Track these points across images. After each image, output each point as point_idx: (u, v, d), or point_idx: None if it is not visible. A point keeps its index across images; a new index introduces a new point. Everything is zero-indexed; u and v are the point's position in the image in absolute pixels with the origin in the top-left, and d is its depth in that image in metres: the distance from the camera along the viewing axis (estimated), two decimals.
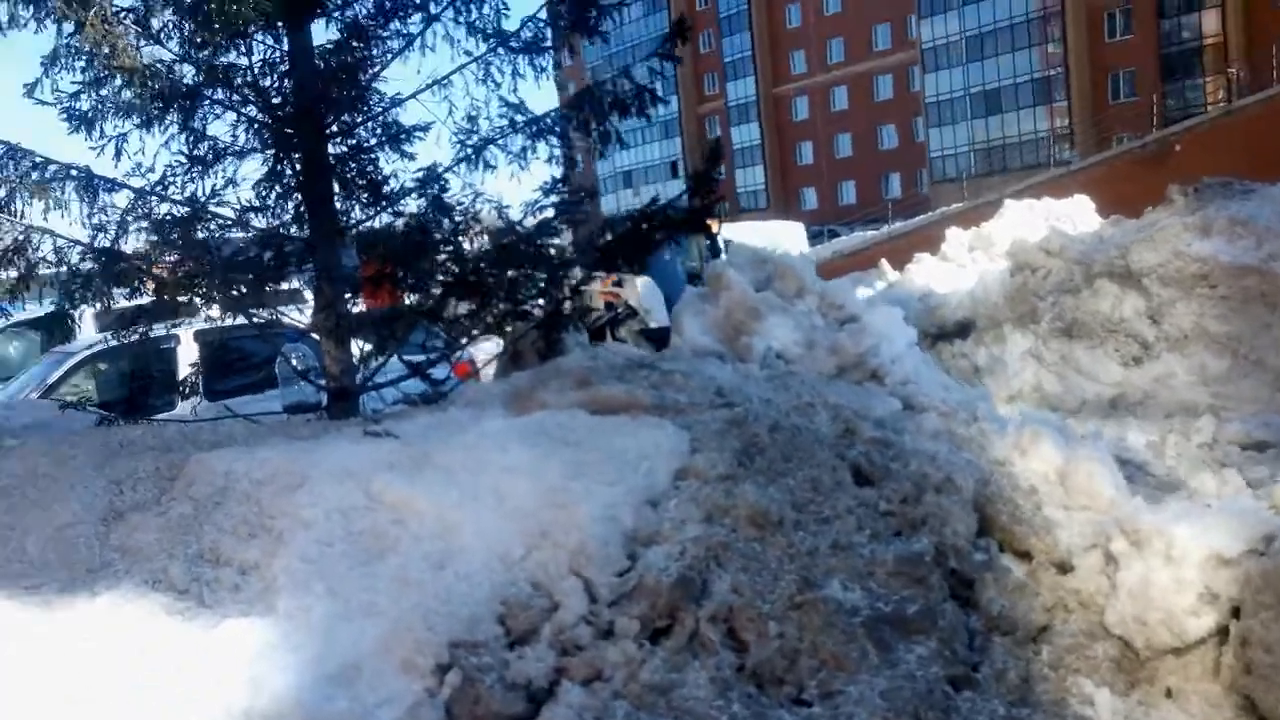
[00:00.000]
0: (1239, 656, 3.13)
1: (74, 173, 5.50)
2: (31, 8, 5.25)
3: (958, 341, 9.60)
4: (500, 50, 6.22)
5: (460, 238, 6.08)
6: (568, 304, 6.06)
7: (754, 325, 5.61)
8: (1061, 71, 51.48)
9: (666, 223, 6.23)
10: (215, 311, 5.93)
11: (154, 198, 5.65)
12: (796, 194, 66.16)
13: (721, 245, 16.87)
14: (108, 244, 5.53)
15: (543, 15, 6.32)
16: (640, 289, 13.87)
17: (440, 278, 5.95)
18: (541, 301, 6.03)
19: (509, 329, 6.14)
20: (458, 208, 6.08)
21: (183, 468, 4.15)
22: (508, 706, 3.12)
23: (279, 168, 5.91)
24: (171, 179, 5.57)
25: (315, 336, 5.98)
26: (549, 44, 6.43)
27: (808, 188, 66.41)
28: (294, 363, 5.92)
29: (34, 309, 8.16)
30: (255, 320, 5.77)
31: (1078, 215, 12.80)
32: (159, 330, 6.73)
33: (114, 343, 6.17)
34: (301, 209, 5.75)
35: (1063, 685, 3.30)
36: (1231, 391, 7.32)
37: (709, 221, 17.87)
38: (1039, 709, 3.31)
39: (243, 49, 5.83)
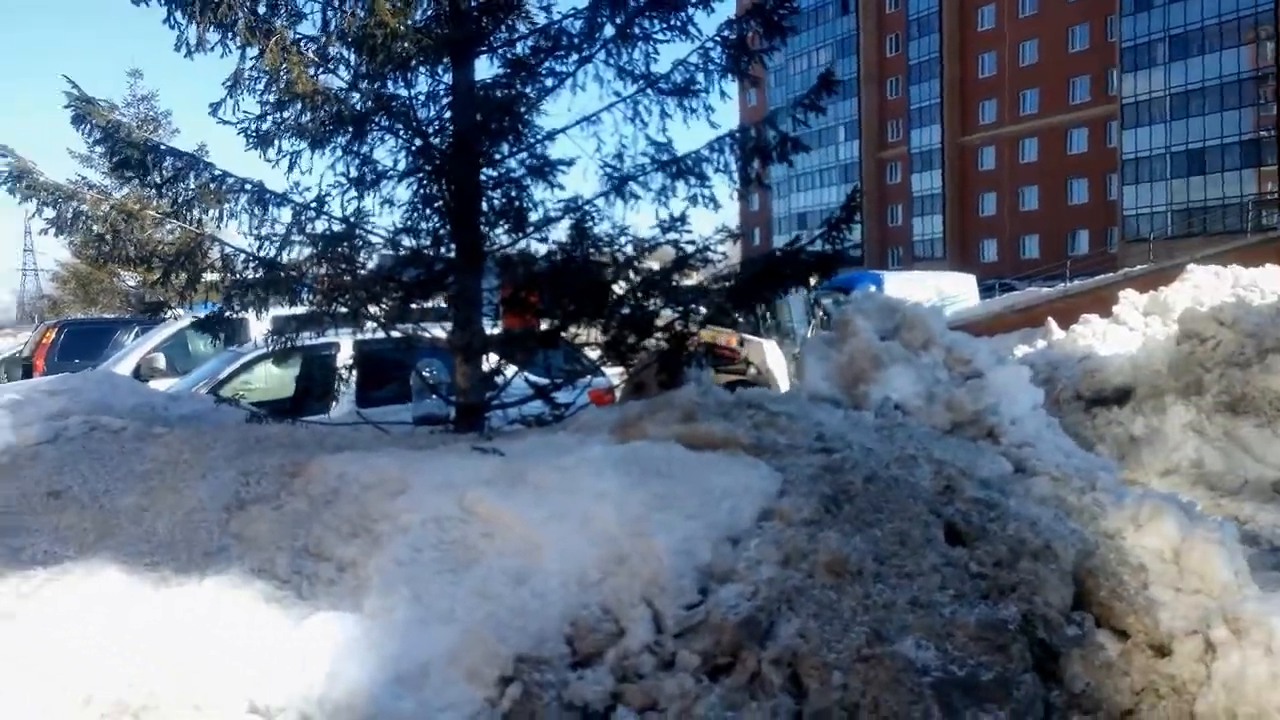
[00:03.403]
0: None
1: (248, 186, 5.95)
2: (219, 33, 5.70)
3: (1115, 408, 9.13)
4: (649, 92, 6.39)
5: (600, 268, 6.24)
6: (692, 340, 6.12)
7: (874, 374, 5.53)
8: (1273, 134, 48.31)
9: (795, 266, 6.24)
10: (362, 324, 6.25)
11: (315, 214, 6.05)
12: (975, 245, 64.35)
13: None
14: (270, 255, 5.95)
15: (694, 60, 6.42)
16: (766, 351, 13.86)
17: (570, 305, 6.12)
18: (666, 335, 6.11)
19: (633, 360, 6.26)
20: (601, 239, 6.25)
21: (304, 466, 4.43)
22: None
23: (431, 192, 6.23)
24: (329, 197, 5.93)
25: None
26: (701, 88, 6.51)
27: (988, 239, 64.53)
28: (426, 376, 6.20)
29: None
30: (394, 335, 6.08)
31: (1268, 285, 12.00)
32: (326, 338, 7.18)
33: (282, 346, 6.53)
34: (442, 232, 6.03)
35: None
36: None
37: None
38: None
39: (408, 80, 6.20)
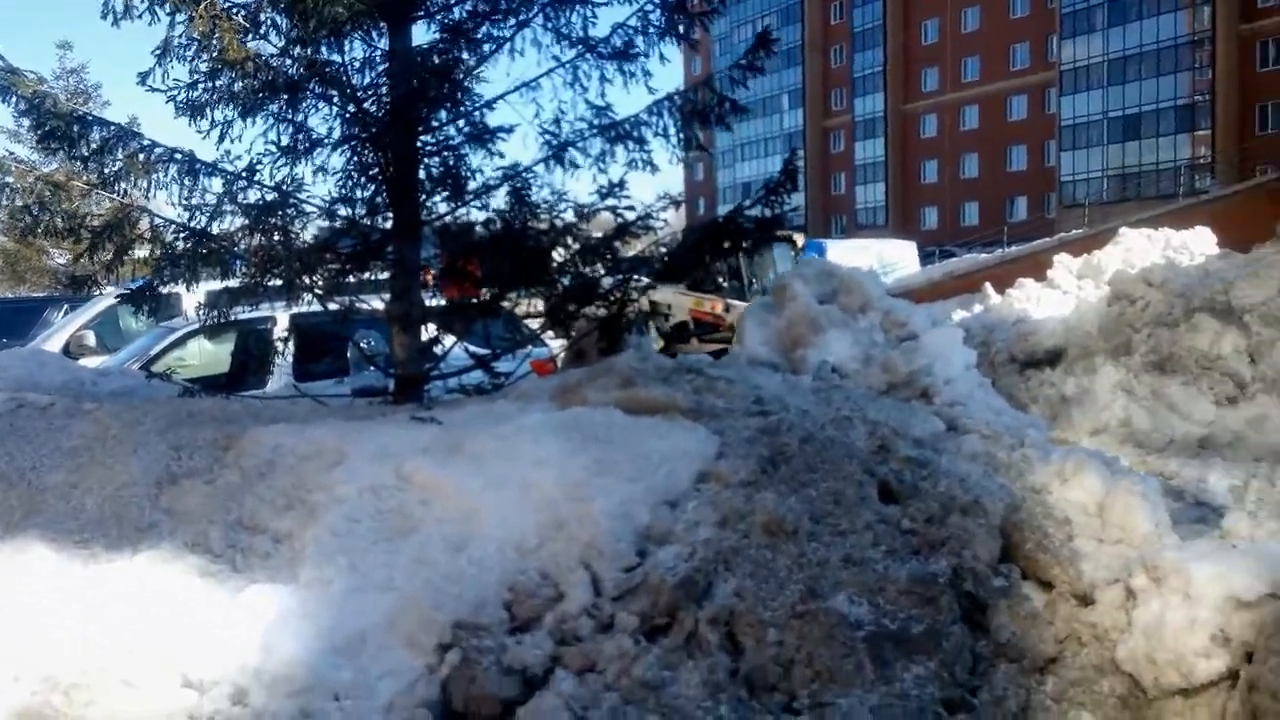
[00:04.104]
0: (1245, 702, 2.99)
1: (178, 156, 5.82)
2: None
3: (1047, 370, 9.32)
4: (588, 56, 6.34)
5: (540, 236, 6.21)
6: (631, 307, 6.13)
7: (813, 338, 5.59)
8: (1207, 99, 49.29)
9: (736, 232, 6.27)
10: (297, 296, 6.16)
11: (247, 183, 5.94)
12: (917, 213, 64.97)
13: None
14: (201, 225, 5.84)
15: (633, 23, 6.38)
16: None
17: (510, 274, 6.09)
18: (606, 302, 6.11)
19: (573, 328, 6.26)
20: (540, 207, 6.22)
21: (237, 439, 4.38)
22: (501, 690, 3.21)
23: (366, 160, 6.14)
24: (261, 166, 5.82)
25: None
26: (640, 51, 6.48)
27: (929, 207, 65.16)
28: (364, 348, 6.15)
29: None
30: (330, 307, 6.01)
31: (1197, 247, 12.28)
32: (260, 312, 7.09)
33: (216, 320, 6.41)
34: (377, 200, 5.96)
35: (1063, 718, 3.22)
36: None
37: (795, 236, 17.80)
38: None
39: (341, 46, 6.09)
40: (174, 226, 5.74)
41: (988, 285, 13.47)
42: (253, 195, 5.91)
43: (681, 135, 6.36)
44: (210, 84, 5.86)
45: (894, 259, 23.32)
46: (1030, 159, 60.05)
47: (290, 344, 7.10)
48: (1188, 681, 3.14)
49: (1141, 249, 11.98)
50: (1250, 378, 7.63)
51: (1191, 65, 50.50)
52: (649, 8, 6.30)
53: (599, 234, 6.28)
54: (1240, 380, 7.68)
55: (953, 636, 3.44)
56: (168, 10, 5.60)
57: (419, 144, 6.14)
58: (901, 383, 5.18)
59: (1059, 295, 11.56)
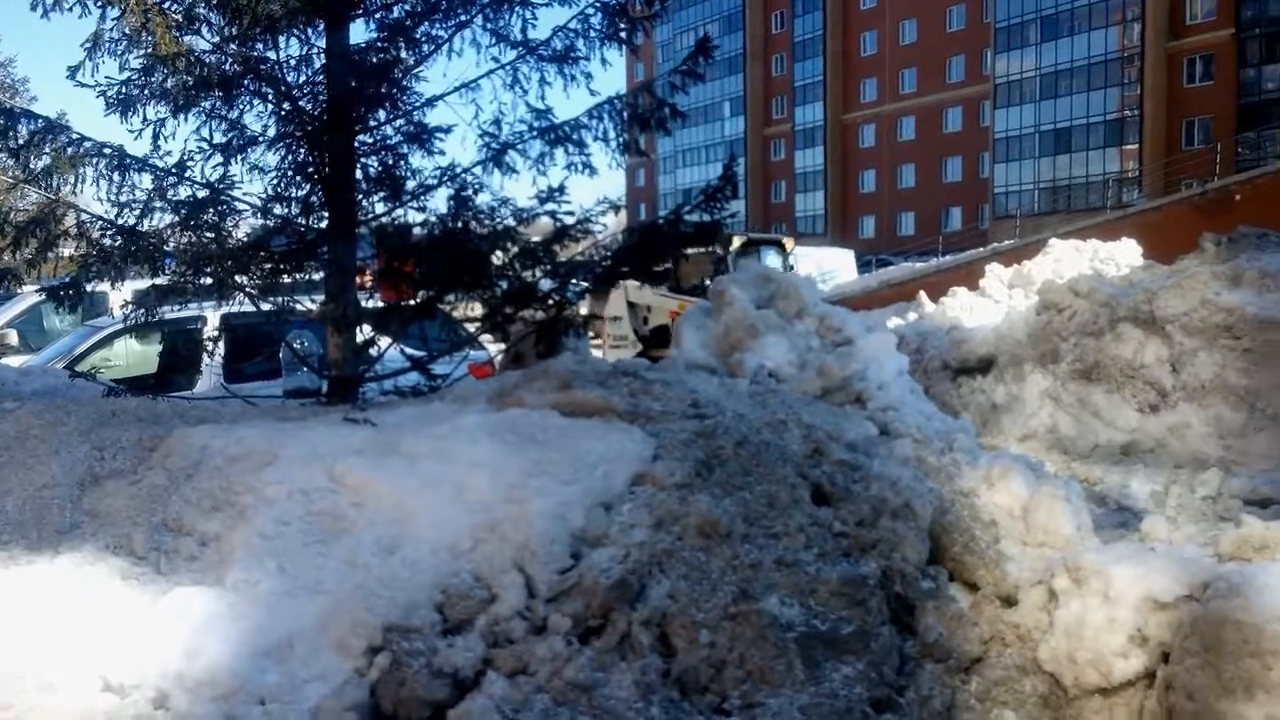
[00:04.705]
0: (1162, 701, 3.09)
1: (107, 151, 5.69)
2: None
3: (979, 377, 9.51)
4: (528, 58, 6.33)
5: (479, 239, 6.17)
6: (570, 310, 6.13)
7: (750, 342, 5.64)
8: (1136, 114, 50.71)
9: (677, 235, 6.30)
10: (228, 295, 6.06)
11: (178, 179, 5.82)
12: (855, 221, 65.89)
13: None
14: (130, 222, 5.71)
15: (574, 26, 6.38)
16: None
17: (447, 276, 6.05)
18: (544, 306, 6.10)
19: (511, 331, 6.24)
20: (480, 209, 6.18)
21: (163, 439, 4.30)
22: (431, 693, 3.18)
23: (301, 158, 6.06)
24: (193, 162, 5.72)
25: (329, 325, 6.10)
26: (581, 55, 6.48)
27: (867, 216, 66.11)
28: (297, 349, 6.07)
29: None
30: (262, 307, 5.92)
31: (1123, 258, 12.64)
32: (189, 311, 6.94)
33: (144, 319, 6.28)
34: (312, 200, 5.89)
35: (986, 717, 3.29)
36: (1245, 446, 7.18)
37: (785, 241, 17.95)
38: None
39: (277, 43, 6.00)
40: (101, 223, 5.60)
41: (922, 294, 13.76)
42: (184, 192, 5.80)
43: (622, 139, 6.38)
44: (143, 80, 5.74)
45: (832, 266, 23.72)
46: (965, 170, 61.23)
47: (220, 344, 6.98)
48: (1107, 681, 3.22)
49: (1070, 259, 12.31)
50: (1171, 387, 7.86)
51: (1121, 81, 51.90)
52: (590, 11, 6.31)
53: (538, 238, 6.27)
54: (1162, 389, 7.90)
55: (881, 637, 3.50)
56: (99, 3, 5.49)
57: (356, 143, 6.07)
58: (836, 387, 5.24)
59: (991, 304, 11.85)
